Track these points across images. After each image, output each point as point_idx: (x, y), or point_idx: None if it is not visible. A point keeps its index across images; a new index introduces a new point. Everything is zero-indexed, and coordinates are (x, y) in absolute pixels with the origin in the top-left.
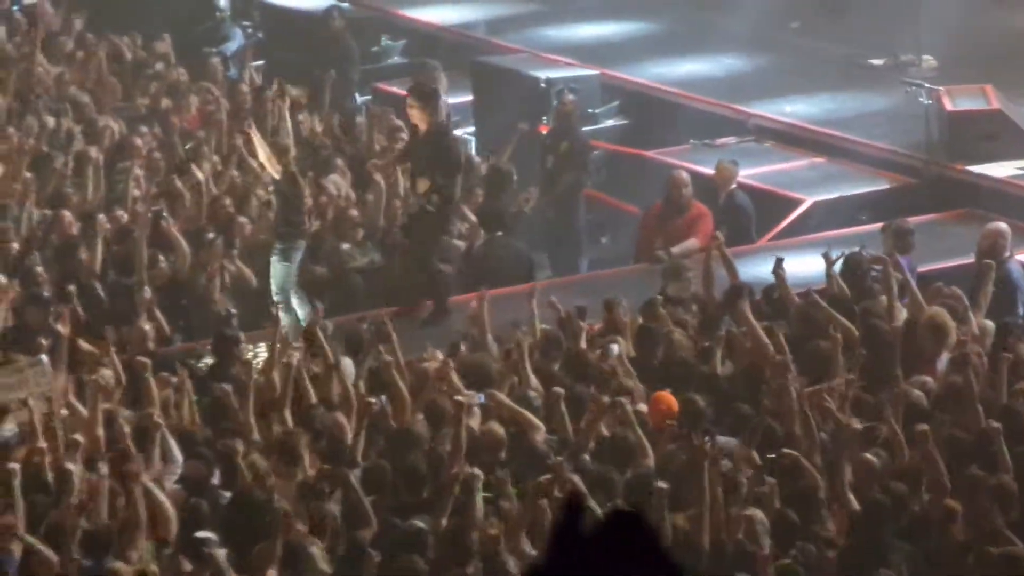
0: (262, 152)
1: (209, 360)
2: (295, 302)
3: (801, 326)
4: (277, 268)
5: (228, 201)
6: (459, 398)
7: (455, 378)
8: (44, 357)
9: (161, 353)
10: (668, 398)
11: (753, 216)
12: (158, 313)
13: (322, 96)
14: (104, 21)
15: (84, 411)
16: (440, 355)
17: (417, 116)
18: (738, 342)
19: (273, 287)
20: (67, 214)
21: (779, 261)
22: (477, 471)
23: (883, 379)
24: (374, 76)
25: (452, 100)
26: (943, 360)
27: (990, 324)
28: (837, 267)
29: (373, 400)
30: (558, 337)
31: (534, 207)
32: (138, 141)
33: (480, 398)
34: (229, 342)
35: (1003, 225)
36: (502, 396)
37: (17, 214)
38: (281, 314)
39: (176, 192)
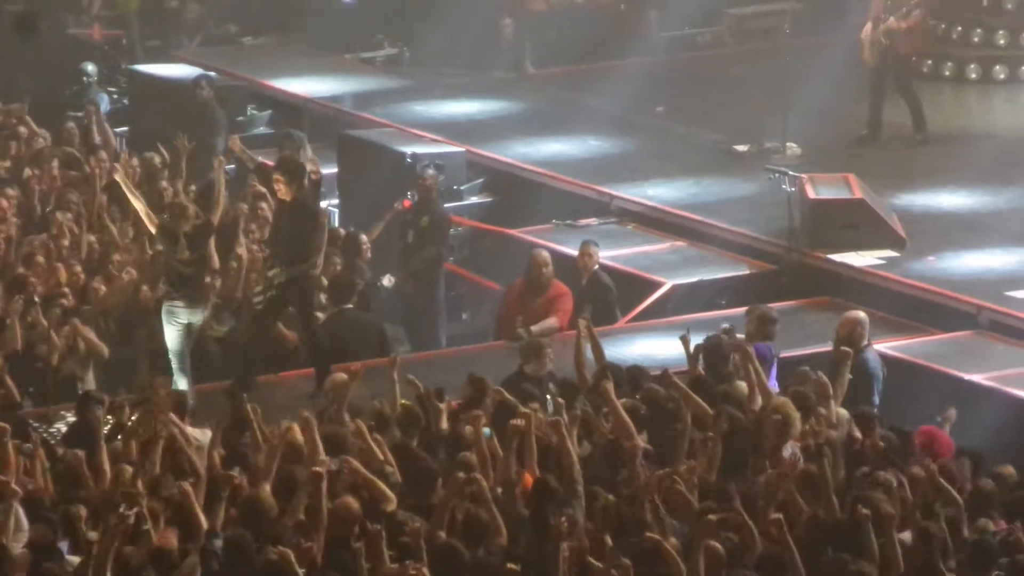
0: (139, 204)
1: (61, 426)
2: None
3: (654, 407)
4: (171, 331)
5: (79, 268)
6: (317, 468)
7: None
8: None
9: (11, 417)
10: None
11: (616, 296)
12: (8, 379)
13: (179, 163)
14: None
15: None
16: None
17: (283, 190)
18: (594, 422)
19: (170, 349)
20: None
21: (684, 335)
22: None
23: (735, 465)
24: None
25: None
26: (787, 448)
27: (844, 412)
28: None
29: (233, 473)
30: (417, 413)
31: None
32: (2, 202)
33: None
34: (92, 403)
35: (861, 314)
36: (358, 464)
37: None
38: (176, 377)
39: (32, 255)
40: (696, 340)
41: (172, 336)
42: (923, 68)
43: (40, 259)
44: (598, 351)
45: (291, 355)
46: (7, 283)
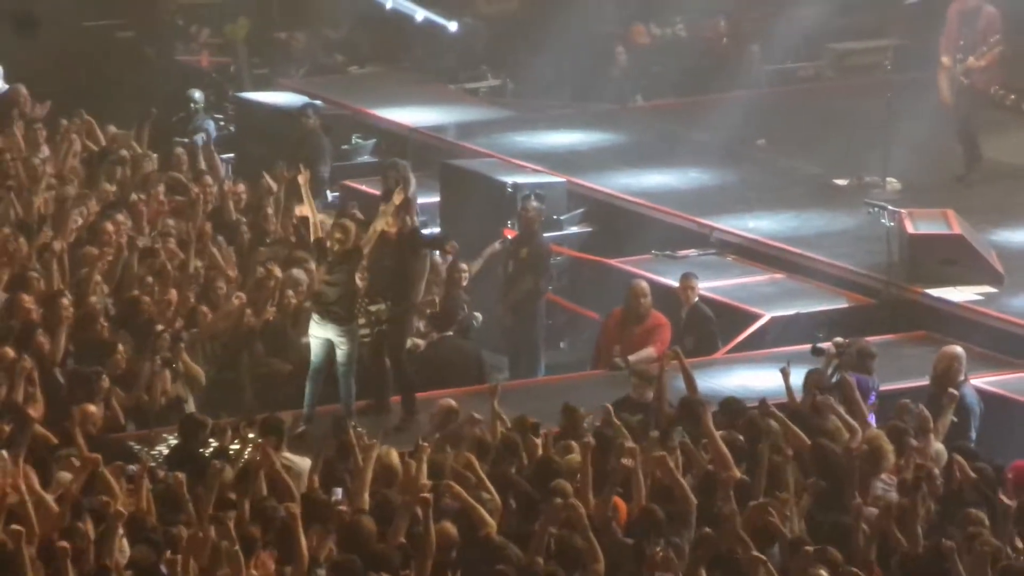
0: (310, 211)
1: (163, 448)
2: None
3: (752, 437)
4: (312, 344)
5: (188, 292)
6: (425, 495)
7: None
8: (4, 452)
9: (115, 439)
10: (619, 504)
11: (717, 327)
12: (114, 402)
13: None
14: (79, 107)
15: (49, 499)
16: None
17: (390, 222)
18: (693, 454)
19: (341, 368)
20: (27, 297)
21: (784, 367)
22: None
23: (833, 498)
24: (344, 174)
25: (420, 200)
26: (878, 483)
27: (942, 448)
28: (796, 381)
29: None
30: (516, 441)
31: (494, 312)
32: (109, 227)
33: None
34: (196, 426)
35: (959, 349)
36: (460, 489)
37: None
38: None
39: (143, 278)
40: (796, 372)
41: (312, 349)
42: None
43: (150, 280)
44: (690, 382)
45: (285, 386)
46: (119, 307)
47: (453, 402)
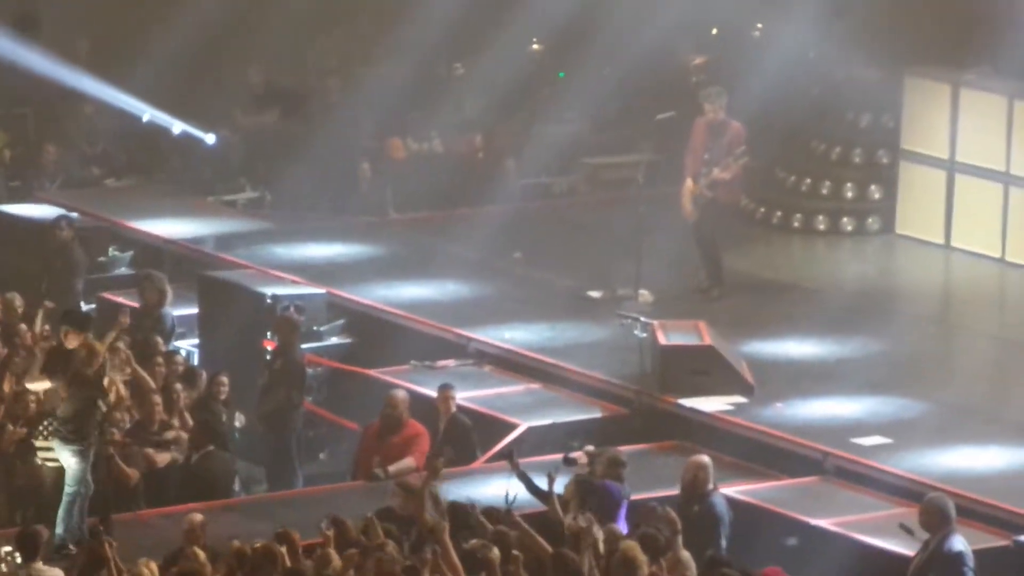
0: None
1: None
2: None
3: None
4: (75, 467)
5: None
6: None
7: None
8: None
9: None
10: None
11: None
12: None
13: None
14: None
15: None
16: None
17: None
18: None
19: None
20: None
21: (510, 453)
22: None
23: None
24: (101, 286)
25: (177, 312)
26: None
27: (687, 556)
28: (559, 488)
29: None
30: (273, 552)
31: (246, 423)
32: None
33: None
34: None
35: (705, 458)
36: None
37: None
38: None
39: None
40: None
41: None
42: (772, 219)
43: None
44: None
45: (133, 492)
46: None
47: (200, 516)
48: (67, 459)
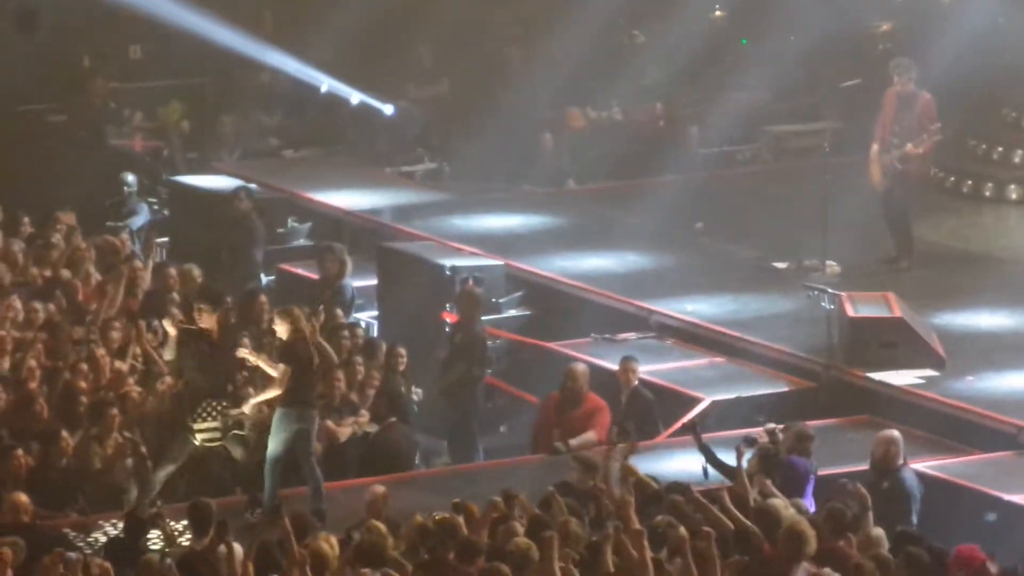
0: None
1: (99, 536)
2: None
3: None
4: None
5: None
6: None
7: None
8: None
9: (51, 527)
10: None
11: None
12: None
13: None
14: (11, 191)
15: None
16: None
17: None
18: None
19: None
20: None
21: (693, 427)
22: None
23: None
24: (279, 257)
25: (357, 283)
26: (801, 569)
27: (880, 532)
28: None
29: None
30: (455, 524)
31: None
32: (39, 314)
33: None
34: (141, 525)
35: (895, 433)
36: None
37: None
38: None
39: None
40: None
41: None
42: (963, 188)
43: (84, 367)
44: (629, 471)
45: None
46: (54, 391)
47: (383, 488)
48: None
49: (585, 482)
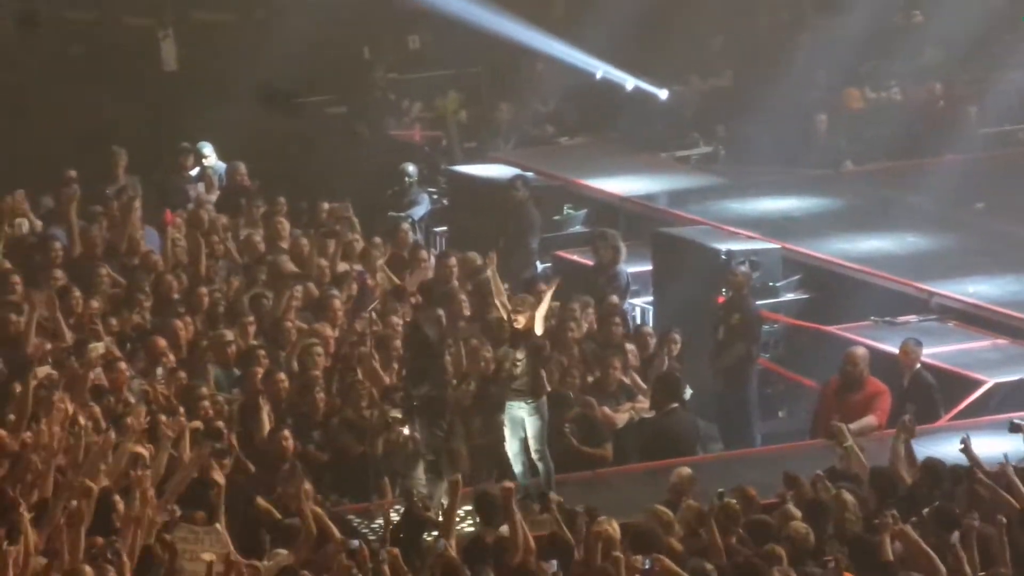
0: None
1: (382, 522)
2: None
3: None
4: (534, 424)
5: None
6: None
7: None
8: (219, 525)
9: (335, 513)
10: None
11: (940, 394)
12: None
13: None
14: (292, 184)
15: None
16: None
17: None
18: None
19: (533, 443)
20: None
21: (964, 441)
22: None
23: None
24: (556, 244)
25: (632, 269)
26: None
27: None
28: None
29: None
30: (736, 510)
31: (705, 379)
32: (336, 303)
33: (647, 563)
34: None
35: None
36: (669, 563)
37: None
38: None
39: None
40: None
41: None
42: None
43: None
44: (910, 454)
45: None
46: (343, 386)
47: (689, 470)
48: (523, 416)
49: (849, 466)
